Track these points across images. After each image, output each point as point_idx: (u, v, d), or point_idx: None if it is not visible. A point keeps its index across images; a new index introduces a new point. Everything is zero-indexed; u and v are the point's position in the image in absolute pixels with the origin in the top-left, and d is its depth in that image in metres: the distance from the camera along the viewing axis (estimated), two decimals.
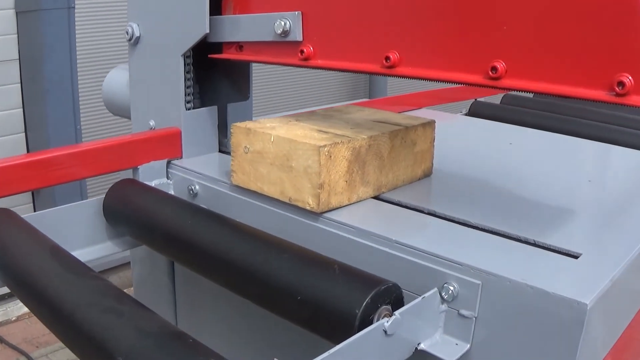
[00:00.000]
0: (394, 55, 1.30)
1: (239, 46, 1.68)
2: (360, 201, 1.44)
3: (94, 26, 4.83)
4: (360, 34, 1.37)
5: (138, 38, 1.86)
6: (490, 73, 1.16)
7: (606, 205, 1.55)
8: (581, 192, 1.65)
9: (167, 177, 1.79)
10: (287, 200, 1.40)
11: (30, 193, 4.89)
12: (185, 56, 1.76)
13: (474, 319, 1.12)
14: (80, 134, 4.69)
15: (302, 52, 1.47)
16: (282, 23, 1.49)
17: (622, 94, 1.03)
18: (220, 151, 1.90)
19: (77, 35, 4.64)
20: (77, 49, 4.63)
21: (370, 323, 1.05)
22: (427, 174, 1.65)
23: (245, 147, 1.46)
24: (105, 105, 2.31)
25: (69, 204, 1.66)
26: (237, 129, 1.47)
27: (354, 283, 1.09)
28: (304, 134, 1.40)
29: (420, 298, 1.10)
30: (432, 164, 1.66)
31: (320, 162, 1.30)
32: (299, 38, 1.48)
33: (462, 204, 1.45)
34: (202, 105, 1.85)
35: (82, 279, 1.18)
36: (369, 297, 1.05)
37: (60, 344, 1.23)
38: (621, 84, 1.03)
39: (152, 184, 1.75)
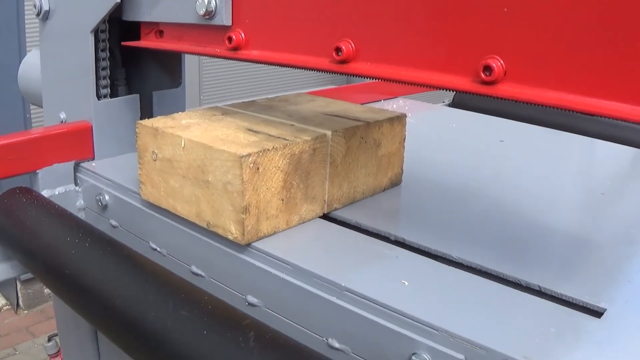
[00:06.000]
0: (347, 46, 0.93)
1: (159, 31, 1.32)
2: (303, 222, 1.08)
3: None
4: (305, 16, 1.00)
5: (47, 12, 1.54)
6: (483, 75, 0.81)
7: (626, 229, 1.19)
8: (596, 211, 1.29)
9: (76, 184, 1.43)
10: (204, 225, 1.03)
11: None
12: (97, 33, 1.41)
13: None
14: (30, 122, 4.33)
15: (230, 39, 1.10)
16: (206, 1, 1.12)
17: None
18: None
19: (26, 17, 4.27)
20: (26, 31, 4.26)
21: None
22: (396, 183, 1.29)
23: (153, 152, 1.09)
24: (22, 94, 1.96)
25: None
26: (142, 128, 1.10)
27: None
28: (226, 135, 1.03)
29: None
30: (402, 171, 1.30)
31: (244, 177, 0.93)
32: (227, 22, 1.11)
33: (441, 228, 1.10)
34: (130, 94, 1.50)
35: None
36: None
37: None
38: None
39: (55, 192, 1.41)
